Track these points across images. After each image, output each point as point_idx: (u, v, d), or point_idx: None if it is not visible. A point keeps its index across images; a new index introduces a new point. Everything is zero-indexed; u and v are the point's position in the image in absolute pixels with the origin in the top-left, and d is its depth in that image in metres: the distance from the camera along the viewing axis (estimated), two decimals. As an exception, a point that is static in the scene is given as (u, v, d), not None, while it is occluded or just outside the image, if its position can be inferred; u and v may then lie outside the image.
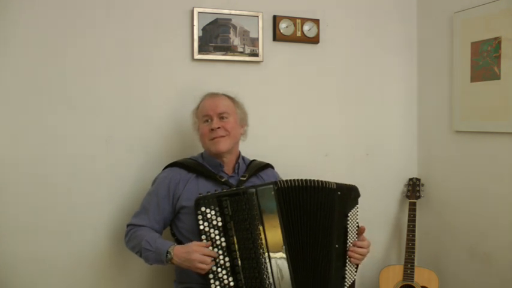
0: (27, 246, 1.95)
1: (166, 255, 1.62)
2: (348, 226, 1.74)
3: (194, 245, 1.60)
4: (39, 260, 1.97)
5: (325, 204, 1.71)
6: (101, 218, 2.05)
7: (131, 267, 2.10)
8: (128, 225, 1.84)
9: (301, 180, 1.71)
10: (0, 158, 1.91)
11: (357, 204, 1.78)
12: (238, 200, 1.64)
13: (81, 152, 2.02)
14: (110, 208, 2.06)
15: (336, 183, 1.74)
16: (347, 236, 1.74)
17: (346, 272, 1.74)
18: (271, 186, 1.69)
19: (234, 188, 1.77)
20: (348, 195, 1.76)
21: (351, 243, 1.75)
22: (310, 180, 1.72)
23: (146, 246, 1.68)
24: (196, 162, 1.90)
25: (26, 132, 1.94)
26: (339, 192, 1.73)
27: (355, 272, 1.78)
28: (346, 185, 1.77)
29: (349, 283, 1.75)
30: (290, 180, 1.71)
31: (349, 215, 1.75)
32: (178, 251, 1.62)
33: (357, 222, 1.78)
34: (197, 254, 1.58)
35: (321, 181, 1.72)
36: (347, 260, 1.74)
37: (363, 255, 1.76)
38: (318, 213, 1.70)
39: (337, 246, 1.71)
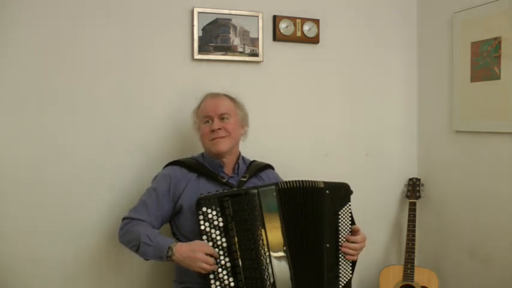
0: (27, 246, 1.95)
1: (167, 251, 1.61)
2: (340, 225, 1.73)
3: (198, 244, 1.60)
4: (38, 260, 1.96)
5: (315, 204, 1.71)
6: (100, 218, 2.05)
7: (131, 267, 2.10)
8: (124, 219, 1.80)
9: (296, 181, 1.71)
10: (0, 158, 1.91)
11: (349, 201, 1.76)
12: (240, 201, 1.63)
13: (81, 153, 2.02)
14: (110, 209, 2.05)
15: (324, 182, 1.73)
16: (339, 234, 1.73)
17: (340, 271, 1.73)
18: (273, 187, 1.68)
19: (236, 189, 1.77)
20: (337, 193, 1.74)
21: (344, 241, 1.74)
22: (301, 180, 1.71)
23: (146, 240, 1.64)
24: (197, 162, 1.90)
25: (26, 133, 1.94)
26: (327, 191, 1.72)
27: (351, 270, 1.76)
28: (335, 183, 1.75)
29: (344, 282, 1.74)
30: (289, 181, 1.72)
31: (340, 213, 1.73)
32: (181, 248, 1.60)
33: (350, 220, 1.76)
34: (201, 253, 1.57)
35: (309, 181, 1.72)
36: (340, 259, 1.73)
37: (357, 250, 1.74)
38: (309, 213, 1.70)
39: (328, 245, 1.70)
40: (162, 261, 1.65)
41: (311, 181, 1.72)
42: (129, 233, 1.74)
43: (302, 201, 1.70)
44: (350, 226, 1.76)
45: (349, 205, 1.76)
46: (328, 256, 1.70)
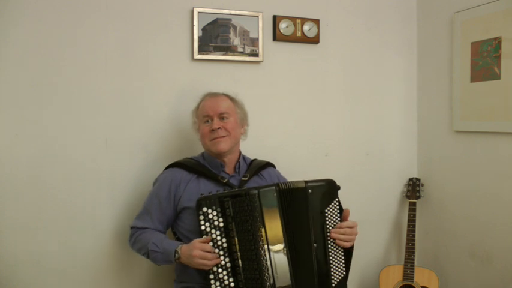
0: (27, 246, 1.95)
1: (175, 255, 1.64)
2: (327, 223, 1.71)
3: (196, 242, 1.61)
4: (38, 260, 1.96)
5: (300, 204, 1.69)
6: (100, 218, 2.05)
7: (131, 267, 2.10)
8: (131, 228, 1.85)
9: (288, 182, 1.71)
10: (0, 157, 1.91)
11: (336, 198, 1.74)
12: (241, 201, 1.63)
13: (81, 153, 2.01)
14: (110, 208, 2.05)
15: (305, 181, 1.71)
16: (326, 233, 1.71)
17: (332, 269, 1.71)
18: (273, 187, 1.68)
19: (236, 189, 1.76)
20: (320, 191, 1.72)
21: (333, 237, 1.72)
22: (291, 181, 1.71)
23: (153, 248, 1.69)
24: (197, 162, 1.90)
25: (26, 133, 1.93)
26: (309, 190, 1.70)
27: (344, 268, 1.74)
28: (317, 181, 1.73)
29: (337, 280, 1.72)
30: (286, 182, 1.72)
31: (326, 211, 1.71)
32: (183, 249, 1.64)
33: (339, 217, 1.74)
34: (197, 250, 1.59)
35: (292, 181, 1.71)
36: (330, 258, 1.71)
37: (347, 234, 1.71)
38: (297, 213, 1.69)
39: (315, 245, 1.69)
40: (172, 264, 1.69)
41: (293, 181, 1.71)
42: (138, 242, 1.79)
43: (291, 201, 1.69)
44: (339, 223, 1.74)
45: (336, 201, 1.74)
46: (317, 255, 1.69)
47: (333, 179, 1.77)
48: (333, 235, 1.71)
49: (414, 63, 2.60)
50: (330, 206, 1.73)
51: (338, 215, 1.74)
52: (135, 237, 1.81)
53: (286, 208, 1.68)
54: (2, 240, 1.92)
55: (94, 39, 2.02)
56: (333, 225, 1.73)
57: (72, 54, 1.99)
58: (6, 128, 1.91)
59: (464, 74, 2.29)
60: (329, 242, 1.71)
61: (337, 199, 1.75)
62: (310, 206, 1.70)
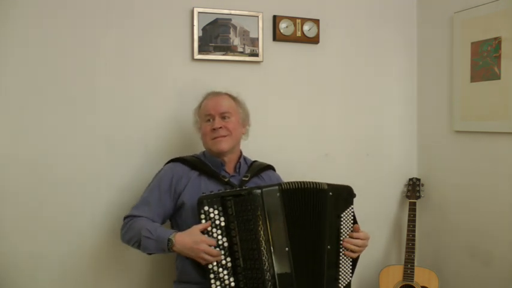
0: (27, 246, 1.95)
1: (168, 243, 1.60)
2: (342, 227, 1.72)
3: (199, 235, 1.59)
4: (38, 260, 1.96)
5: (318, 206, 1.69)
6: (100, 218, 2.05)
7: (131, 267, 2.10)
8: (125, 217, 1.80)
9: (300, 182, 1.70)
10: (0, 157, 1.91)
11: (352, 204, 1.75)
12: (243, 201, 1.62)
13: (81, 152, 2.01)
14: (110, 207, 2.05)
15: (327, 184, 1.72)
16: (340, 237, 1.72)
17: (340, 273, 1.71)
18: (277, 187, 1.67)
19: (239, 188, 1.75)
20: (340, 195, 1.73)
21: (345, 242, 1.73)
22: (304, 181, 1.70)
23: (146, 234, 1.64)
24: (199, 160, 1.89)
25: (26, 132, 1.94)
26: (330, 193, 1.71)
27: (351, 273, 1.75)
28: (338, 185, 1.74)
29: (344, 284, 1.73)
30: (292, 182, 1.71)
31: (342, 215, 1.72)
32: (181, 238, 1.60)
33: (352, 223, 1.75)
34: (204, 244, 1.57)
35: (313, 182, 1.71)
36: (340, 261, 1.71)
37: (359, 246, 1.73)
38: (312, 214, 1.69)
39: (329, 247, 1.69)
40: (164, 253, 1.65)
41: (315, 182, 1.71)
42: (130, 230, 1.73)
43: (305, 202, 1.69)
44: (352, 229, 1.75)
45: (352, 208, 1.75)
46: (329, 258, 1.69)
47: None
48: (345, 244, 1.72)
49: (414, 63, 2.60)
50: (346, 211, 1.74)
51: (352, 221, 1.75)
52: (129, 225, 1.74)
53: (292, 208, 1.67)
54: (2, 240, 1.92)
55: (94, 40, 2.02)
56: (346, 231, 1.73)
57: (73, 55, 1.99)
58: (7, 127, 1.91)
59: (464, 74, 2.29)
60: (341, 246, 1.72)
61: (352, 206, 1.75)
62: (328, 208, 1.70)
